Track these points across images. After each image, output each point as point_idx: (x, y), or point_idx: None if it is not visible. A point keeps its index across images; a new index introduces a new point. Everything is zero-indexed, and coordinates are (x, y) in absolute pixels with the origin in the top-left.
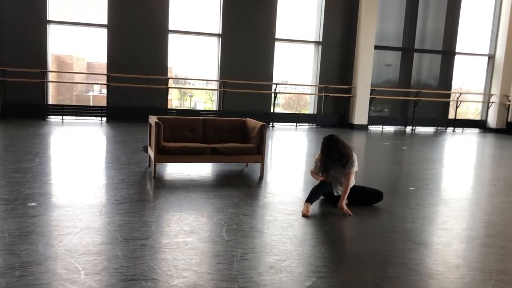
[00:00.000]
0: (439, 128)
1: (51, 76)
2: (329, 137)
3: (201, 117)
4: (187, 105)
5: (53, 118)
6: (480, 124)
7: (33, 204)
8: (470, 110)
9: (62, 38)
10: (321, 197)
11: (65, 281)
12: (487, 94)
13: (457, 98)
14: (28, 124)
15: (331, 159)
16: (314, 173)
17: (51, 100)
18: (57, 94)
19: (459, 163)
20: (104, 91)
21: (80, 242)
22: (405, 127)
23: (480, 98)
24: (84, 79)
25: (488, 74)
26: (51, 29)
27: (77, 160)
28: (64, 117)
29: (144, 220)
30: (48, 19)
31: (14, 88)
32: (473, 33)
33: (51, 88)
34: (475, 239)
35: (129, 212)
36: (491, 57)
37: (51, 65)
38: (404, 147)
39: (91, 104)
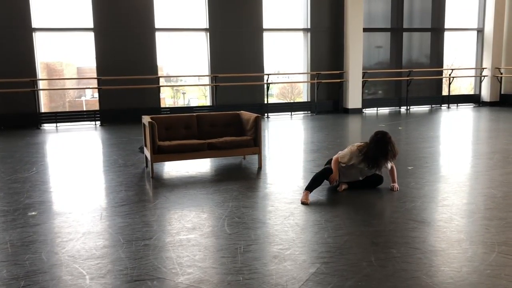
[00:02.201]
0: (433, 105)
1: (41, 84)
2: (384, 135)
3: (195, 114)
4: (180, 102)
5: (47, 126)
6: (474, 99)
7: (33, 213)
8: (463, 85)
9: (49, 45)
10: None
11: (71, 287)
12: (479, 68)
13: (450, 75)
14: (22, 134)
15: (381, 156)
16: (338, 163)
17: (44, 108)
18: (50, 101)
19: (455, 139)
20: (96, 95)
21: (83, 247)
22: (400, 108)
23: (473, 72)
24: (75, 84)
25: (478, 48)
26: (37, 37)
27: (75, 166)
28: (58, 124)
29: (145, 220)
30: (33, 26)
31: (5, 99)
32: (461, 7)
33: (43, 96)
34: (476, 213)
35: (130, 214)
36: (480, 31)
37: (40, 73)
38: (400, 128)
39: (84, 109)
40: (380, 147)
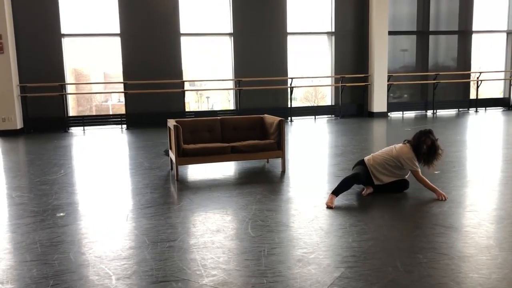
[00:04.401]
0: (461, 109)
1: (69, 89)
2: (430, 131)
3: (219, 117)
4: (204, 106)
5: (74, 130)
6: (503, 102)
7: (61, 214)
8: (492, 88)
9: (77, 50)
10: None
11: (98, 287)
12: (509, 71)
13: (477, 78)
14: (51, 137)
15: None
16: (423, 177)
17: (71, 112)
18: (77, 105)
19: (483, 143)
20: (122, 99)
21: (109, 248)
22: (426, 111)
23: (502, 75)
24: (101, 88)
25: (508, 51)
26: (66, 42)
27: (101, 169)
28: (85, 128)
29: (170, 222)
30: (62, 32)
31: (35, 103)
32: (490, 9)
33: (71, 100)
34: (505, 219)
35: (155, 216)
36: (510, 33)
37: (68, 77)
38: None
39: (110, 113)
40: (425, 138)
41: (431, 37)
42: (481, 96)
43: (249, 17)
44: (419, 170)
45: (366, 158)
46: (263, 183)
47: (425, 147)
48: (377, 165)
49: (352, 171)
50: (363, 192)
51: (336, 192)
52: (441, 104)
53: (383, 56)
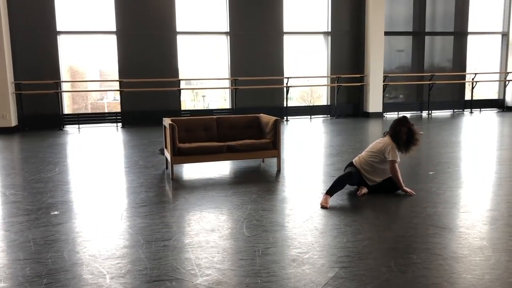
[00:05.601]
0: (456, 110)
1: (65, 86)
2: (405, 118)
3: (214, 116)
4: (200, 105)
5: (69, 128)
6: (498, 104)
7: (55, 212)
8: (487, 90)
9: (73, 48)
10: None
11: (91, 286)
12: (504, 73)
13: (473, 79)
14: (46, 135)
15: (407, 135)
16: (397, 169)
17: (66, 110)
18: (73, 103)
19: (478, 144)
20: (118, 97)
21: (104, 246)
22: (421, 112)
23: (497, 77)
24: (97, 86)
25: (503, 52)
26: (61, 40)
27: (96, 167)
28: (81, 126)
29: (165, 221)
30: (57, 30)
31: (30, 101)
32: (485, 11)
33: (66, 98)
34: (499, 220)
35: (150, 215)
36: (505, 35)
37: (64, 75)
38: (421, 132)
39: (106, 111)
40: (401, 127)
41: (427, 38)
42: (476, 97)
43: (245, 16)
44: (397, 161)
45: (354, 160)
46: (258, 183)
47: (404, 135)
48: (364, 165)
49: (344, 172)
50: (358, 193)
51: (330, 192)
52: (436, 105)
53: (379, 57)
